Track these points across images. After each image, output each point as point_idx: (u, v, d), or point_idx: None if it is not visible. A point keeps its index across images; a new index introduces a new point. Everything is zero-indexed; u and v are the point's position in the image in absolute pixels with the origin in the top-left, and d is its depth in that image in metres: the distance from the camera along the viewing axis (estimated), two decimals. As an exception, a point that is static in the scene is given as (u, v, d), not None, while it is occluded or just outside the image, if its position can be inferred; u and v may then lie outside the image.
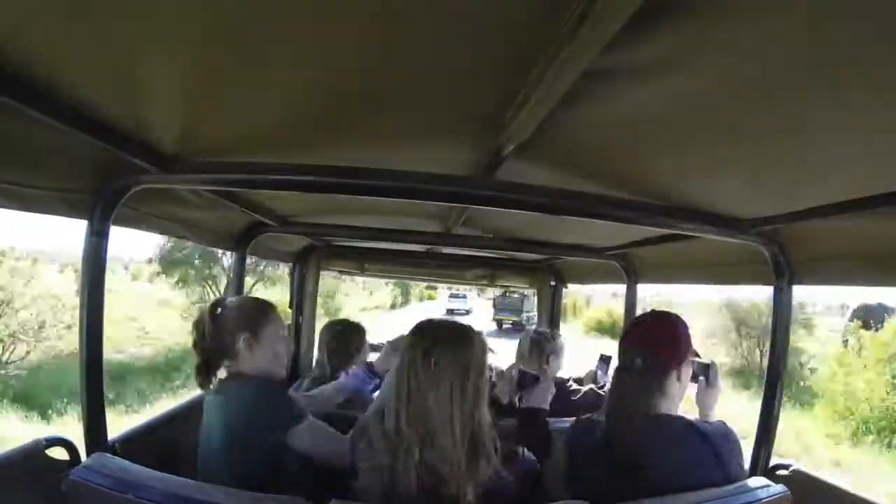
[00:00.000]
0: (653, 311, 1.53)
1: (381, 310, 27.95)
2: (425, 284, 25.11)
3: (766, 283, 1.67)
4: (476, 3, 0.64)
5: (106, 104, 1.01)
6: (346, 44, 0.75)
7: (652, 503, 1.19)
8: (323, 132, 1.18)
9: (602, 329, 20.04)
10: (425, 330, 1.22)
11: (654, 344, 1.35)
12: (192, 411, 1.73)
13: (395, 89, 0.92)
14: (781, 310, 1.65)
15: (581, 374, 2.76)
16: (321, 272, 3.39)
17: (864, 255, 1.38)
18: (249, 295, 2.31)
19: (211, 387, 1.47)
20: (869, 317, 11.30)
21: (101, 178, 1.34)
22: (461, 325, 1.26)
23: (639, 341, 1.37)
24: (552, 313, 3.42)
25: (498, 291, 18.26)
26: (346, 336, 2.34)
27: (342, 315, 12.53)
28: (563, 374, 2.49)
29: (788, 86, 0.75)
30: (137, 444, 1.54)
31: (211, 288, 15.44)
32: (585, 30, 0.61)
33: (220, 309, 1.49)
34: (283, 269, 12.41)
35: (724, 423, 1.35)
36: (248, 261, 2.61)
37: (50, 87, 0.90)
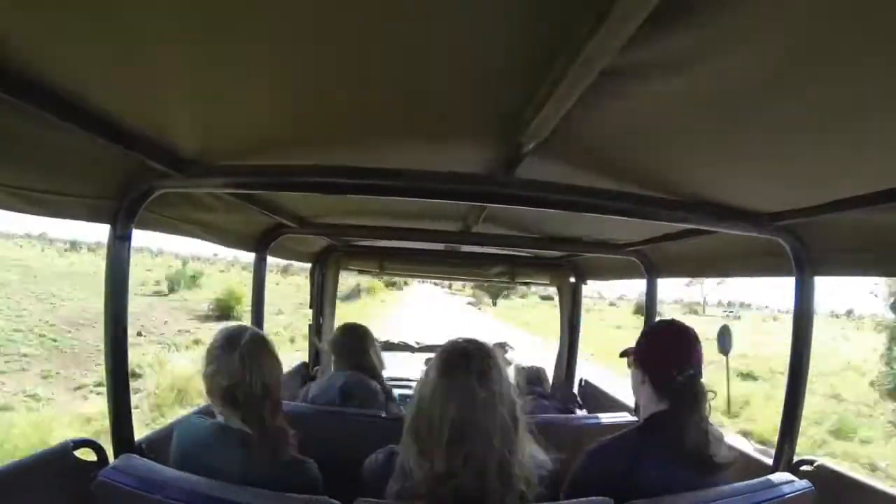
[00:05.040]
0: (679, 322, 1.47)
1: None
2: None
3: (788, 275, 1.64)
4: (496, 3, 0.64)
5: (127, 110, 1.03)
6: (365, 44, 0.75)
7: (674, 500, 1.18)
8: (343, 133, 1.18)
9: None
10: (456, 356, 1.15)
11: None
12: None
13: (415, 89, 0.92)
14: (803, 302, 1.61)
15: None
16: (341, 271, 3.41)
17: (886, 247, 1.35)
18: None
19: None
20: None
21: (123, 183, 1.36)
22: (483, 344, 1.20)
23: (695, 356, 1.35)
24: (572, 310, 3.39)
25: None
26: (357, 338, 2.29)
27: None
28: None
29: (807, 80, 0.74)
30: (164, 445, 1.57)
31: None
32: (604, 28, 0.61)
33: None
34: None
35: None
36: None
37: (72, 94, 0.92)
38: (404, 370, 3.30)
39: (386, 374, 2.51)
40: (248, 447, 1.25)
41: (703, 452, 1.26)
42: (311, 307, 3.33)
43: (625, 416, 2.32)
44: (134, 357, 6.66)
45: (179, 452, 1.31)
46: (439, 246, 3.13)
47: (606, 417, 2.29)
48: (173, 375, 7.95)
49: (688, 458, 1.25)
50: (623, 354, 1.54)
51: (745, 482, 1.25)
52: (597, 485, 1.23)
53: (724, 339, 3.80)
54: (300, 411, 2.02)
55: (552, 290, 3.73)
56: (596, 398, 3.08)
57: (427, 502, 1.07)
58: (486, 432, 1.05)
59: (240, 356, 1.26)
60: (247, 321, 2.37)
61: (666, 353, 1.37)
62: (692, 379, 1.30)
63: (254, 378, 1.25)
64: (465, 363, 1.11)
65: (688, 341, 1.36)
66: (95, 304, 10.02)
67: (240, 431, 1.27)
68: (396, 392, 3.17)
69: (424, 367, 1.21)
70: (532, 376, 2.78)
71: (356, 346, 2.23)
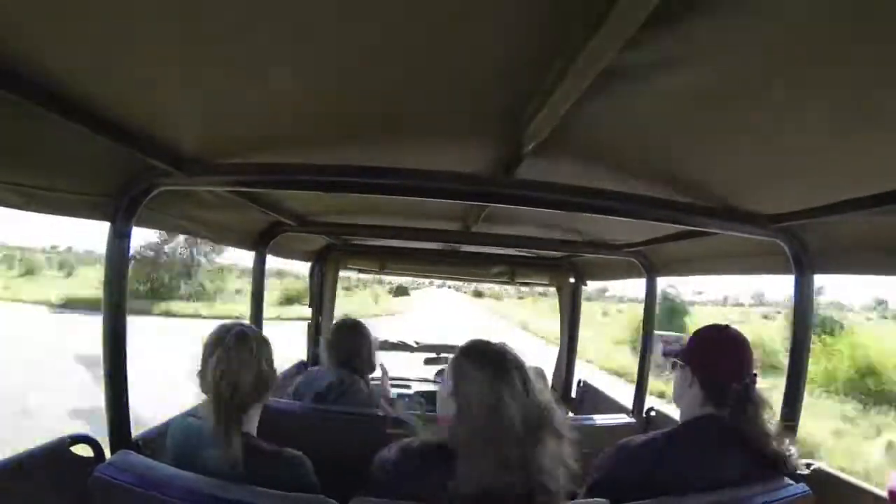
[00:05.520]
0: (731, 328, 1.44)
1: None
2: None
3: (786, 273, 1.65)
4: (496, 3, 0.64)
5: (128, 109, 1.03)
6: (364, 43, 0.75)
7: (671, 502, 1.17)
8: (342, 132, 1.18)
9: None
10: (488, 355, 1.19)
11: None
12: None
13: (415, 88, 0.92)
14: (802, 300, 1.61)
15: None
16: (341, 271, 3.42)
17: (885, 246, 1.36)
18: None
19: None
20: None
21: (122, 181, 1.37)
22: (501, 345, 1.24)
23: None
24: (572, 310, 3.39)
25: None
26: (350, 336, 2.28)
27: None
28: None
29: (806, 82, 0.74)
30: (161, 442, 1.57)
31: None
32: (605, 28, 0.61)
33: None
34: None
35: None
36: None
37: (73, 92, 0.92)
38: (403, 370, 3.31)
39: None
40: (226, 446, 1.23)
41: (771, 454, 1.28)
42: (310, 306, 3.33)
43: (622, 418, 2.32)
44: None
45: (172, 451, 1.31)
46: (439, 245, 3.13)
47: (604, 419, 2.29)
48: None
49: (746, 459, 1.27)
50: (666, 354, 1.52)
51: (742, 486, 1.25)
52: (618, 486, 1.23)
53: None
54: (295, 410, 2.02)
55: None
56: (594, 399, 3.08)
57: (490, 500, 1.08)
58: (534, 431, 1.09)
59: (217, 359, 1.24)
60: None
61: (722, 359, 1.34)
62: (749, 387, 1.30)
63: (224, 381, 1.23)
64: (508, 364, 1.15)
65: (742, 348, 1.35)
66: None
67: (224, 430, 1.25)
68: (394, 391, 3.18)
69: (442, 367, 1.23)
70: None
71: (347, 344, 2.22)
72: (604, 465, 1.31)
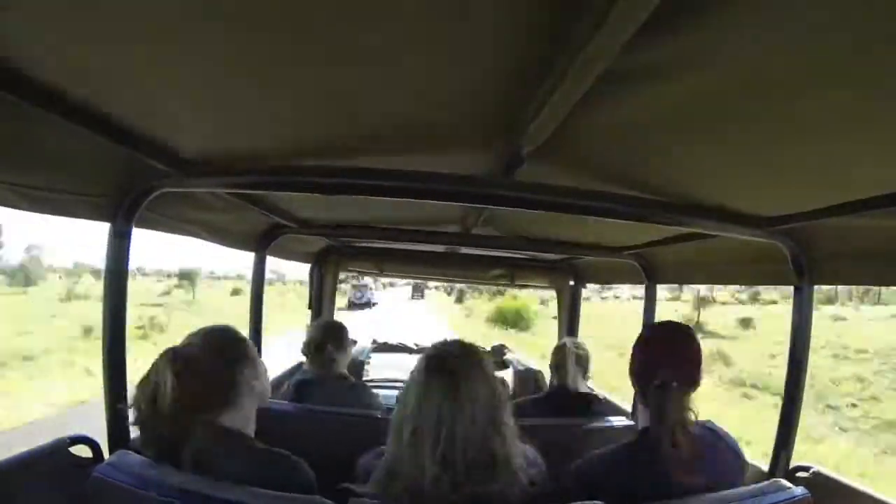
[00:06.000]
0: (671, 324, 1.38)
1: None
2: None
3: (787, 283, 1.64)
4: (496, 3, 0.64)
5: (128, 110, 1.03)
6: (365, 46, 0.75)
7: None
8: (342, 134, 1.18)
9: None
10: (442, 358, 1.15)
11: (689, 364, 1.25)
12: None
13: (415, 90, 0.92)
14: (802, 309, 1.61)
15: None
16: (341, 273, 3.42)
17: (887, 254, 1.35)
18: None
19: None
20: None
21: (123, 182, 1.37)
22: (472, 346, 1.21)
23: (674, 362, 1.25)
24: (572, 312, 3.39)
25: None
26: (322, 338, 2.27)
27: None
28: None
29: (808, 84, 0.74)
30: None
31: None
32: (604, 31, 0.61)
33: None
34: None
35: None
36: None
37: (74, 93, 0.92)
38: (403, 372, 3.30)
39: (383, 375, 2.51)
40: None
41: (685, 467, 1.17)
42: (309, 308, 3.33)
43: (622, 420, 2.32)
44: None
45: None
46: (438, 247, 3.13)
47: (604, 422, 2.29)
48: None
49: (673, 472, 1.18)
50: None
51: (741, 489, 1.25)
52: (596, 493, 1.18)
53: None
54: (292, 412, 2.01)
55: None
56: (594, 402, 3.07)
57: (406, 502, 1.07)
58: (462, 434, 1.06)
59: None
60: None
61: (644, 359, 1.30)
62: (663, 387, 1.20)
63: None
64: (444, 366, 1.12)
65: (666, 344, 1.29)
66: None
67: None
68: (391, 393, 3.17)
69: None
70: (528, 379, 2.78)
71: (318, 344, 2.22)
72: (582, 471, 1.28)
